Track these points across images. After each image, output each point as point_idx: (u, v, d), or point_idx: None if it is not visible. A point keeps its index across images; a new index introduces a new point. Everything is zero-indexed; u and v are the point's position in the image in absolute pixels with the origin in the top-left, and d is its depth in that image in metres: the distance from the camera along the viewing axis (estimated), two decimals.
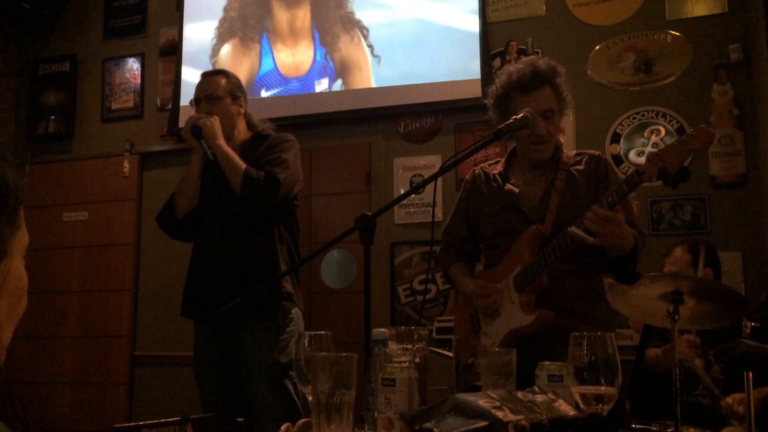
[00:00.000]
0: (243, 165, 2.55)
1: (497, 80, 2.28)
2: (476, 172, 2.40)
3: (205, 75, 2.79)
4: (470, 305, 2.30)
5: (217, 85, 2.70)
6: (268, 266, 2.56)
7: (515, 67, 2.22)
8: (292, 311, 2.59)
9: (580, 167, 2.23)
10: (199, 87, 2.73)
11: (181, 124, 4.66)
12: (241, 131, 2.75)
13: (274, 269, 2.56)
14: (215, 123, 2.60)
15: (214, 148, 2.58)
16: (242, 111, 2.75)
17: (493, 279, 2.24)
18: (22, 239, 0.85)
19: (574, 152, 2.31)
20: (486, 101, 2.33)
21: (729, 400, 2.64)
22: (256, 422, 2.50)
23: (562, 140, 2.39)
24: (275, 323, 2.54)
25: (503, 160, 2.36)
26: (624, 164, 3.83)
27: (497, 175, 2.33)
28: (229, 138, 2.65)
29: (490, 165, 2.40)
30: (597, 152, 2.30)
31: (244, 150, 2.67)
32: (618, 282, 2.23)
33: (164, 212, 2.74)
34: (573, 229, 1.99)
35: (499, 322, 2.18)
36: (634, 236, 2.02)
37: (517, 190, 2.25)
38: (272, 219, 2.62)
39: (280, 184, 2.53)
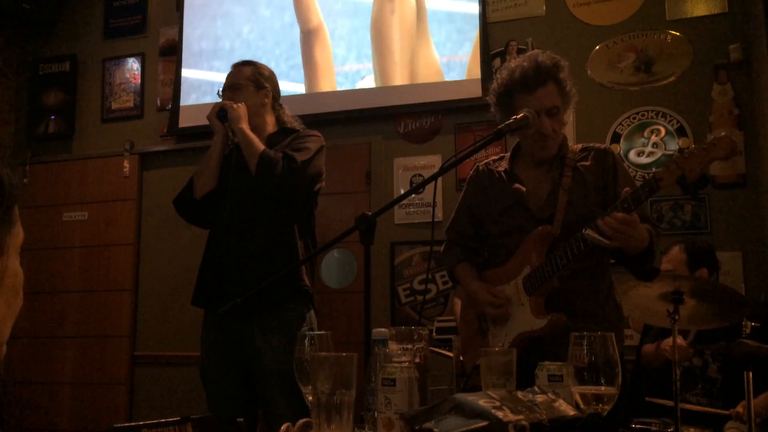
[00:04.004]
0: (261, 146, 2.51)
1: (498, 77, 2.20)
2: (480, 168, 2.33)
3: (233, 65, 2.75)
4: (476, 305, 2.25)
5: (241, 74, 2.67)
6: (286, 260, 2.45)
7: (517, 64, 2.14)
8: (307, 313, 2.50)
9: (587, 163, 2.17)
10: (226, 78, 2.70)
11: (182, 123, 4.67)
12: (269, 124, 2.71)
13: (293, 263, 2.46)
14: (242, 108, 2.58)
15: (237, 131, 2.55)
16: (268, 101, 2.70)
17: (499, 279, 2.19)
18: (17, 236, 0.86)
19: (580, 146, 2.24)
20: (487, 98, 2.26)
21: (740, 409, 2.64)
22: (267, 422, 2.47)
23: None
24: (289, 323, 2.45)
25: (508, 156, 2.29)
26: (624, 164, 3.82)
27: (503, 173, 2.26)
28: (255, 129, 2.60)
29: (494, 161, 2.33)
30: (603, 145, 2.26)
31: (269, 142, 2.61)
32: (637, 279, 2.19)
33: (182, 195, 2.68)
34: (589, 232, 1.93)
35: (509, 324, 2.13)
36: (648, 231, 1.98)
37: (523, 188, 2.19)
38: (290, 211, 2.55)
39: (299, 167, 2.47)
